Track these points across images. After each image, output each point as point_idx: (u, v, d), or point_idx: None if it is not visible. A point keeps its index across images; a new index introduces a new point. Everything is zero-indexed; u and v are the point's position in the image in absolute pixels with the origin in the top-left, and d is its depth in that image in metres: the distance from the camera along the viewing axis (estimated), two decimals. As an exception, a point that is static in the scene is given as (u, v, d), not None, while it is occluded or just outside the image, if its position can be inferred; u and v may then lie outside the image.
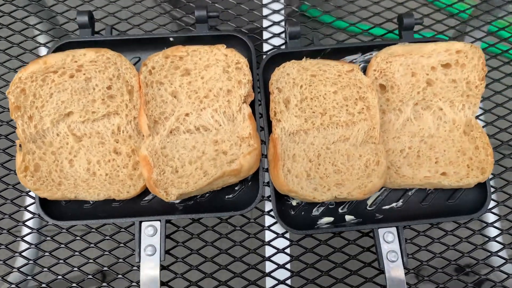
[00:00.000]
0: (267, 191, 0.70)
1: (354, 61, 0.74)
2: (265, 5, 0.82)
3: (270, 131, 0.69)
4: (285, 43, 0.78)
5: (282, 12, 0.81)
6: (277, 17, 0.80)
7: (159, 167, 0.64)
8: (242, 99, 0.67)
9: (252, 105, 0.69)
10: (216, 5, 0.82)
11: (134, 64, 0.73)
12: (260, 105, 0.70)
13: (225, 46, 0.68)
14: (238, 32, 0.73)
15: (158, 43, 0.73)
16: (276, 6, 0.82)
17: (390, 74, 0.68)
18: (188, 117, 0.67)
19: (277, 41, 0.79)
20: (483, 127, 0.76)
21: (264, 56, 0.73)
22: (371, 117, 0.67)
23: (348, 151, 0.66)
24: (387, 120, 0.69)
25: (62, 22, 0.80)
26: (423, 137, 0.69)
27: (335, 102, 0.68)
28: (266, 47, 0.78)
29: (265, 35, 0.80)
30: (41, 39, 0.78)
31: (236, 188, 0.69)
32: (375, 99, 0.66)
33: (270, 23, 0.80)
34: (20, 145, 0.64)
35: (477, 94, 0.69)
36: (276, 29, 0.80)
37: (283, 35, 0.79)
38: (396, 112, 0.69)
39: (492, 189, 0.71)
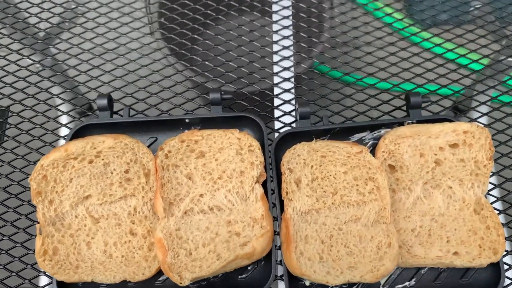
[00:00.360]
0: (280, 269, 0.70)
1: (363, 138, 0.75)
2: (276, 85, 0.85)
3: (282, 209, 0.70)
4: (295, 121, 0.80)
5: (292, 91, 0.84)
6: (287, 96, 0.84)
7: (174, 249, 0.65)
8: (254, 179, 0.69)
9: (264, 183, 0.71)
10: (230, 85, 0.85)
11: (151, 144, 0.76)
12: (272, 182, 0.72)
13: (238, 131, 0.70)
14: (250, 113, 0.76)
15: (174, 124, 0.76)
16: (287, 85, 0.85)
17: (399, 155, 0.70)
18: (202, 197, 0.68)
19: (288, 119, 0.81)
20: (495, 202, 0.76)
21: (276, 135, 0.75)
22: (381, 197, 0.68)
23: (360, 232, 0.66)
24: (398, 199, 0.70)
25: (83, 103, 0.84)
26: (433, 216, 0.69)
27: (346, 182, 0.69)
28: (277, 125, 0.81)
29: (276, 113, 0.82)
30: (63, 119, 0.81)
31: (249, 268, 0.70)
32: (385, 180, 0.67)
33: (281, 101, 0.83)
34: (40, 229, 0.66)
35: (485, 173, 0.70)
36: (287, 107, 0.83)
37: (293, 113, 0.82)
38: (406, 191, 0.70)
39: (506, 267, 0.70)
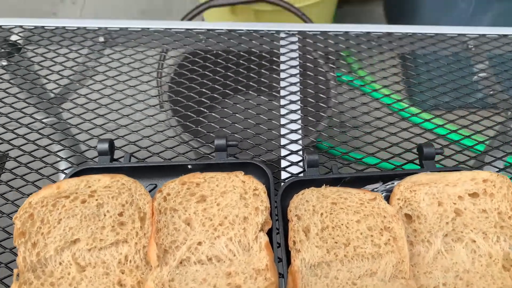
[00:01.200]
0: (286, 333, 0.61)
1: (376, 190, 0.70)
2: (283, 136, 0.82)
3: (288, 262, 0.62)
4: (303, 171, 0.75)
5: (300, 142, 0.80)
6: (294, 147, 0.80)
7: (166, 302, 0.56)
8: (259, 227, 0.62)
9: (269, 235, 0.64)
10: (236, 135, 0.82)
11: (150, 191, 0.71)
12: (278, 234, 0.65)
13: (243, 173, 0.65)
14: (256, 160, 0.71)
15: (176, 171, 0.71)
16: (294, 136, 0.81)
17: (415, 203, 0.64)
18: (200, 246, 0.61)
19: (295, 169, 0.77)
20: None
21: (283, 184, 0.70)
22: (398, 249, 0.60)
23: (377, 286, 0.58)
24: (416, 252, 0.63)
25: (83, 150, 0.80)
26: (458, 273, 0.61)
27: (359, 232, 0.62)
28: (284, 175, 0.76)
29: (283, 163, 0.78)
30: (61, 165, 0.77)
31: (251, 330, 0.60)
32: (402, 229, 0.61)
33: (288, 152, 0.79)
34: (18, 275, 0.58)
35: (511, 226, 0.63)
36: (294, 158, 0.78)
37: (301, 164, 0.77)
38: (425, 244, 0.63)
39: (546, 336, 0.60)
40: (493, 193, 0.64)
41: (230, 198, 0.64)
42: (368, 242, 0.61)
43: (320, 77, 0.93)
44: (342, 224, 0.63)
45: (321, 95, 0.89)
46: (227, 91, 0.91)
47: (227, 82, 0.92)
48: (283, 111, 0.86)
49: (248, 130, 0.83)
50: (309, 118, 0.86)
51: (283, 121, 0.84)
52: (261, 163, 0.71)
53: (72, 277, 0.60)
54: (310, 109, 0.87)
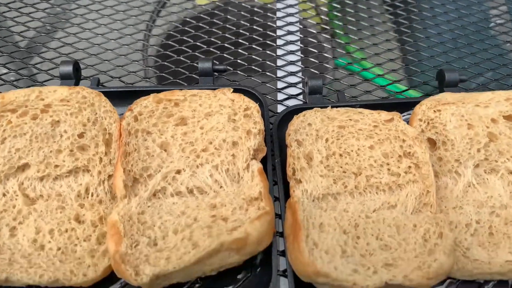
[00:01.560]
0: (283, 283, 0.49)
1: (389, 122, 0.59)
2: (280, 67, 0.70)
3: (286, 196, 0.51)
4: (305, 103, 0.64)
5: (300, 74, 0.69)
6: (293, 79, 0.68)
7: (132, 237, 0.44)
8: (251, 153, 0.51)
9: (263, 163, 0.53)
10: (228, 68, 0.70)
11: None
12: (274, 170, 0.54)
13: (231, 90, 0.54)
14: (246, 86, 0.60)
15: (152, 97, 0.59)
16: (293, 68, 0.70)
17: (441, 125, 0.53)
18: (179, 175, 0.50)
19: (294, 103, 0.65)
20: None
21: (280, 111, 0.58)
22: (422, 177, 0.49)
23: (397, 220, 0.47)
24: (442, 185, 0.51)
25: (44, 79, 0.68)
26: (493, 208, 0.50)
27: (372, 159, 0.51)
28: (280, 108, 0.65)
29: (280, 96, 0.67)
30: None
31: (240, 277, 0.48)
32: (426, 154, 0.50)
33: (285, 84, 0.68)
34: None
35: (555, 153, 0.52)
36: (293, 91, 0.67)
37: (301, 97, 0.66)
38: (452, 175, 0.52)
39: None
40: (532, 117, 0.53)
41: (216, 121, 0.53)
42: (384, 171, 0.50)
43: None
44: (351, 151, 0.51)
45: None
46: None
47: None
48: (279, 41, 0.75)
49: (239, 60, 0.72)
50: (310, 49, 0.75)
51: (279, 52, 0.73)
52: (253, 89, 0.60)
53: (17, 210, 0.48)
54: (312, 49, 0.76)
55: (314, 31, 0.78)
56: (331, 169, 0.50)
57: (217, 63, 0.62)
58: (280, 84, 0.67)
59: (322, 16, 0.82)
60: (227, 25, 0.78)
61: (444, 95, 0.54)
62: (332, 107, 0.55)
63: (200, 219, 0.46)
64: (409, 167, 0.50)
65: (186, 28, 0.77)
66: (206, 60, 0.61)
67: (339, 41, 0.77)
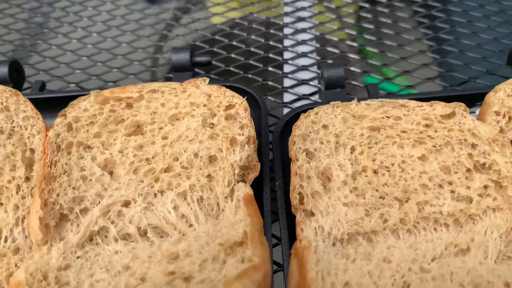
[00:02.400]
0: None
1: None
2: (286, 61, 0.54)
3: (292, 237, 0.33)
4: (319, 92, 0.48)
5: (314, 68, 0.53)
6: (306, 74, 0.52)
7: (42, 309, 0.28)
8: (235, 173, 0.34)
9: (258, 184, 0.36)
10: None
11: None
12: (275, 198, 0.36)
13: (207, 81, 0.38)
14: (239, 83, 0.44)
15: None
16: (305, 61, 0.54)
17: (532, 120, 0.35)
18: (128, 208, 0.34)
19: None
20: None
21: (286, 113, 0.42)
22: (508, 202, 0.31)
23: (475, 274, 0.29)
24: (543, 214, 0.33)
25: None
26: None
27: (426, 176, 0.33)
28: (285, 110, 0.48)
29: (287, 97, 0.50)
30: None
31: None
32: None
33: (295, 82, 0.51)
34: None
35: None
36: (305, 90, 0.50)
37: (315, 97, 0.49)
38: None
39: None
40: None
41: (185, 126, 0.36)
42: (445, 195, 0.32)
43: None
44: (392, 165, 0.34)
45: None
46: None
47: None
48: (287, 30, 0.59)
49: (233, 55, 0.56)
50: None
51: (287, 42, 0.57)
52: (247, 86, 0.44)
53: None
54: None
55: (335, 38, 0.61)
56: (361, 193, 0.33)
57: (196, 54, 0.46)
58: (287, 82, 0.51)
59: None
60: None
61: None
62: (359, 100, 0.38)
63: (150, 279, 0.30)
64: (486, 187, 0.32)
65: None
66: (182, 50, 0.45)
67: (372, 61, 0.58)
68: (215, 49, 0.57)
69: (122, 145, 0.36)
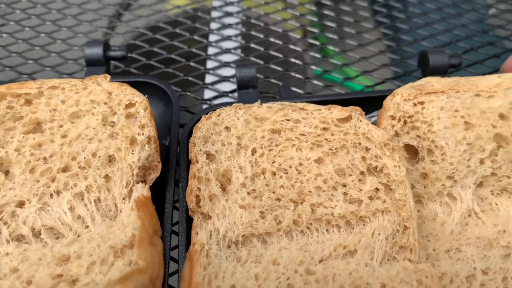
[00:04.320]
0: None
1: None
2: (210, 56, 0.54)
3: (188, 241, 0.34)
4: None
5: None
6: (228, 71, 0.53)
7: None
8: (134, 173, 0.35)
9: (160, 185, 0.37)
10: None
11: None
12: (181, 185, 0.37)
13: (108, 77, 0.38)
14: (152, 78, 0.44)
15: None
16: (228, 57, 0.54)
17: (424, 125, 0.37)
18: (22, 209, 0.34)
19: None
20: None
21: (196, 114, 0.42)
22: (396, 205, 0.33)
23: (356, 276, 0.31)
24: (430, 215, 0.35)
25: None
26: (509, 249, 0.34)
27: (321, 179, 0.35)
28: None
29: (207, 94, 0.51)
30: None
31: None
32: (401, 168, 0.34)
33: (216, 78, 0.52)
34: None
35: None
36: (226, 87, 0.51)
37: (235, 94, 0.50)
38: (444, 200, 0.36)
39: None
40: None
41: (85, 124, 0.37)
42: (338, 197, 0.34)
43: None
44: (290, 167, 0.35)
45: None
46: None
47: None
48: (214, 25, 0.59)
49: (156, 49, 0.56)
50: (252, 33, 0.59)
51: (212, 38, 0.57)
52: (161, 82, 0.44)
53: None
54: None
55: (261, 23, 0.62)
56: (258, 196, 0.34)
57: (115, 48, 0.46)
58: (209, 79, 0.52)
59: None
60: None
61: (429, 80, 0.38)
62: (263, 103, 0.39)
63: (35, 282, 0.30)
64: (377, 189, 0.34)
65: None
66: (95, 44, 0.45)
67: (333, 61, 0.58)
68: (137, 43, 0.56)
69: (19, 143, 0.36)
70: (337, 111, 0.36)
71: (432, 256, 0.33)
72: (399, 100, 0.37)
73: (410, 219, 0.32)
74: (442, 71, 0.45)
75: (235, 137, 0.36)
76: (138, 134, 0.36)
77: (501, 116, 0.37)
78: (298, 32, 0.63)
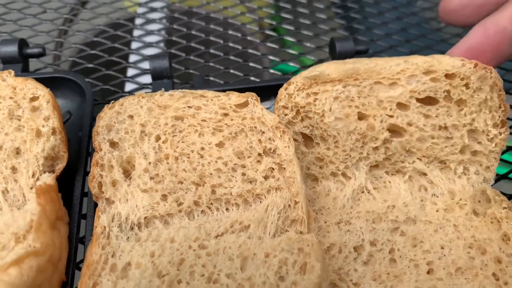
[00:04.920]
0: None
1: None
2: (134, 51, 0.56)
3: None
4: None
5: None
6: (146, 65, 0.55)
7: None
8: (40, 164, 0.36)
9: (69, 176, 0.39)
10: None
11: None
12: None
13: (13, 73, 0.39)
14: (67, 73, 0.46)
15: None
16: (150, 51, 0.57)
17: (316, 116, 0.39)
18: None
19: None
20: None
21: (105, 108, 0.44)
22: (287, 182, 0.35)
23: (244, 248, 0.33)
24: (323, 191, 0.38)
25: None
26: (396, 223, 0.37)
27: (221, 161, 0.37)
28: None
29: (128, 87, 0.52)
30: None
31: None
32: (290, 148, 0.36)
33: (138, 71, 0.54)
34: None
35: (491, 150, 0.39)
36: (144, 79, 0.53)
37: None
38: (338, 178, 0.38)
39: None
40: (463, 98, 0.40)
41: None
42: (237, 177, 0.36)
43: None
44: (192, 152, 0.37)
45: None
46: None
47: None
48: (139, 21, 0.61)
49: (80, 46, 0.57)
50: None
51: (135, 33, 0.59)
52: (76, 76, 0.45)
53: None
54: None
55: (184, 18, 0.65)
56: (160, 180, 0.36)
57: (28, 46, 0.47)
58: (131, 72, 0.54)
59: None
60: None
61: (325, 68, 0.40)
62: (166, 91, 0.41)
63: None
64: (272, 169, 0.36)
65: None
66: (10, 41, 0.46)
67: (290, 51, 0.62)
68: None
69: None
70: (235, 97, 0.38)
71: (323, 228, 0.36)
72: (292, 90, 0.39)
73: (300, 194, 0.34)
74: (350, 55, 0.48)
75: (138, 125, 0.38)
76: (43, 126, 0.37)
77: (399, 105, 0.39)
78: (254, 25, 0.66)
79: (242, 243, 0.33)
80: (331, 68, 0.40)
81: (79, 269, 0.37)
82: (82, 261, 0.38)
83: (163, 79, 0.46)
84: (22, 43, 0.47)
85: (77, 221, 0.37)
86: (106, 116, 0.38)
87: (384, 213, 0.37)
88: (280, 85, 0.41)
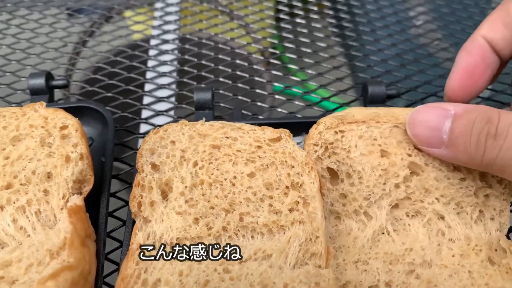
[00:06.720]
0: None
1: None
2: (149, 80, 0.63)
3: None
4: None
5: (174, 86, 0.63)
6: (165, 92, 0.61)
7: None
8: (69, 186, 0.40)
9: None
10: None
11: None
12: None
13: (44, 104, 0.45)
14: (90, 102, 0.51)
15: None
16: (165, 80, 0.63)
17: (343, 152, 0.42)
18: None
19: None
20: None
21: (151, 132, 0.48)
22: (310, 217, 0.38)
23: (265, 277, 0.35)
24: (345, 230, 0.40)
25: None
26: (413, 265, 0.39)
27: (251, 191, 0.40)
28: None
29: (145, 114, 0.58)
30: None
31: None
32: (315, 184, 0.39)
33: (153, 99, 0.60)
34: None
35: (503, 193, 0.41)
36: (163, 106, 0.59)
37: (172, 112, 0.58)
38: (360, 217, 0.41)
39: None
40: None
41: (24, 147, 0.42)
42: (264, 208, 0.39)
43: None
44: (225, 179, 0.41)
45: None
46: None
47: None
48: (152, 52, 0.68)
49: (99, 76, 0.63)
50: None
51: (151, 63, 0.65)
52: (97, 105, 0.51)
53: None
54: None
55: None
56: (194, 204, 0.40)
57: (58, 77, 0.54)
58: (147, 100, 0.60)
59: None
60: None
61: (350, 111, 0.43)
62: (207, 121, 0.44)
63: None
64: (297, 202, 0.39)
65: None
66: (38, 75, 0.52)
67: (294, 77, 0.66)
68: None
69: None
70: (269, 132, 0.42)
71: (341, 266, 0.38)
72: (322, 128, 0.42)
73: (321, 228, 0.37)
74: (380, 101, 0.51)
75: (179, 150, 0.42)
76: (72, 152, 0.42)
77: (416, 146, 0.42)
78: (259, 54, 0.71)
79: (263, 271, 0.36)
80: (355, 111, 0.43)
81: (105, 283, 0.41)
82: (108, 275, 0.43)
83: (205, 109, 0.50)
84: (49, 76, 0.53)
85: (103, 239, 0.41)
86: (151, 140, 0.42)
87: (402, 255, 0.39)
88: (310, 122, 0.44)
